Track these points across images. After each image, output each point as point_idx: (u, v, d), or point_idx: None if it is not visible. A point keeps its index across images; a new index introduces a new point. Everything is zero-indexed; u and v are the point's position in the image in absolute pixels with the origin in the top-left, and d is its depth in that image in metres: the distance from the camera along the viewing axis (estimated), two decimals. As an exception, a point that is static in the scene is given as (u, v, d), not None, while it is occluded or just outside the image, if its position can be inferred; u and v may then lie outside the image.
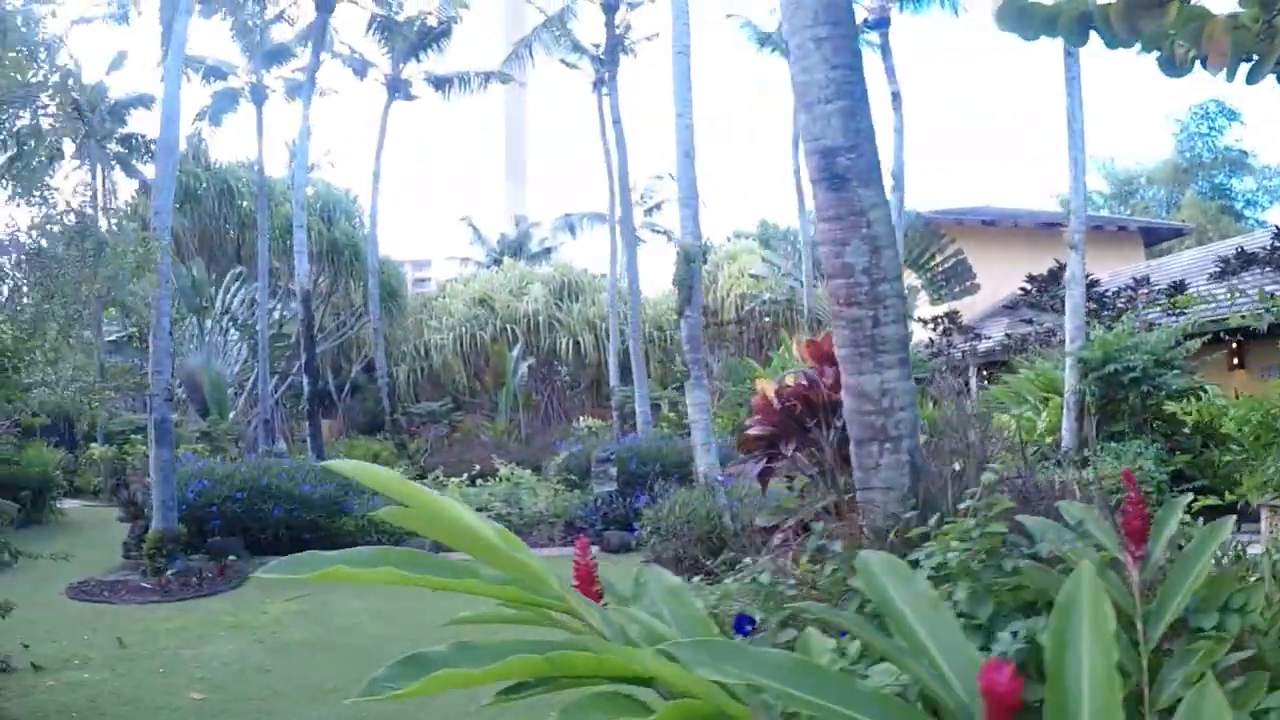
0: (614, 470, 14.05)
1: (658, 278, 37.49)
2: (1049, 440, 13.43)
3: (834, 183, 4.43)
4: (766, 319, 31.14)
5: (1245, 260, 13.40)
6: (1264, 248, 13.22)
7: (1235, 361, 15.06)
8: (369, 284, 25.33)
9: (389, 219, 26.36)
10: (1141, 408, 12.78)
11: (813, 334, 24.09)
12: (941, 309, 23.53)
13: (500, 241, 43.10)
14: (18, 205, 6.79)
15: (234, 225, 26.74)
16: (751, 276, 31.85)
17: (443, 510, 2.28)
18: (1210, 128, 42.35)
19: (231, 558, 10.73)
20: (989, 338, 22.49)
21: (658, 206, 38.00)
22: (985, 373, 22.41)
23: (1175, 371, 12.51)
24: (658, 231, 39.16)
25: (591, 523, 12.84)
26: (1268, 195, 42.81)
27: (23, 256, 6.60)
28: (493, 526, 2.30)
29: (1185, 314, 12.59)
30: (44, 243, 6.54)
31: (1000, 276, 25.19)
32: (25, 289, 6.76)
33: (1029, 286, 17.91)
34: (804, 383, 6.33)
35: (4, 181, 6.78)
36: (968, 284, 25.13)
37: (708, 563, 9.84)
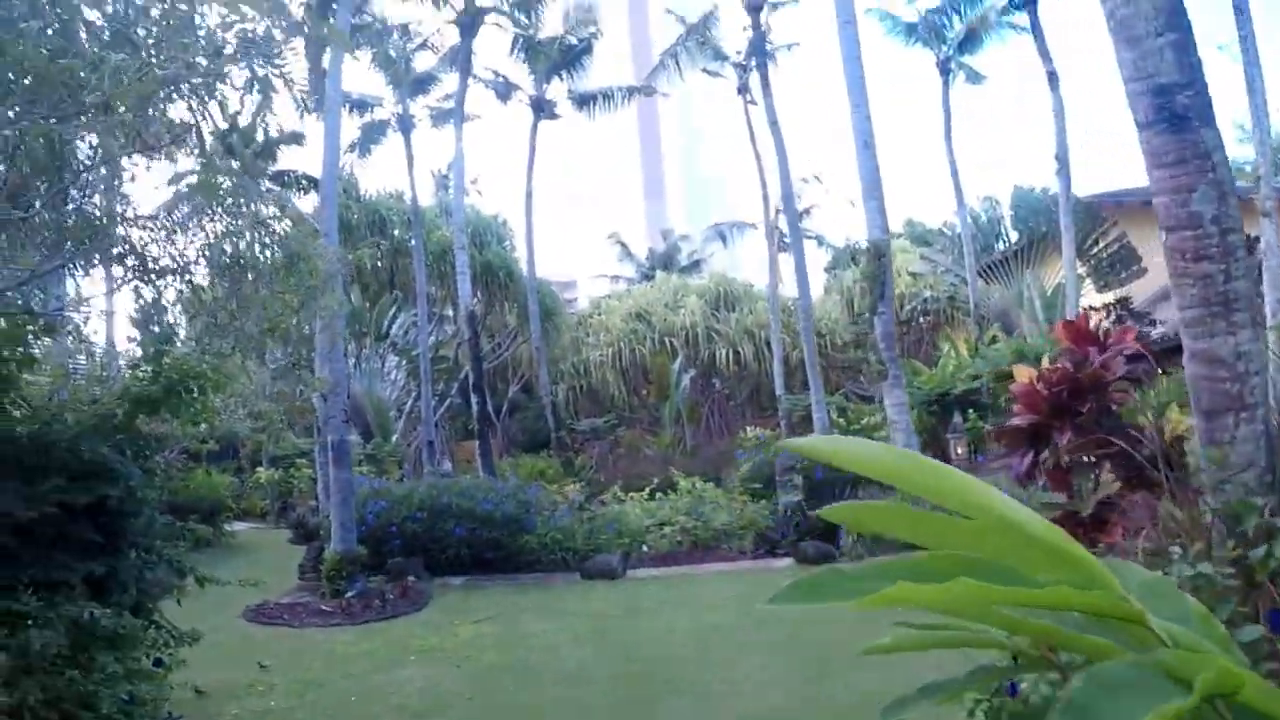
0: (799, 479, 13.17)
1: (812, 283, 36.41)
2: None
3: (1174, 123, 3.93)
4: (925, 318, 29.66)
5: None
6: None
7: None
8: (528, 303, 25.22)
9: (537, 241, 26.19)
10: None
11: (980, 330, 22.62)
12: (1110, 296, 21.81)
13: (649, 257, 42.80)
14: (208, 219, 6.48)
15: (386, 254, 27.07)
16: (910, 275, 30.40)
17: (971, 492, 1.48)
18: None
19: (411, 579, 10.36)
20: (1163, 323, 20.66)
21: (807, 211, 36.85)
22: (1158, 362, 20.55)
23: None
24: (808, 236, 38.03)
25: (784, 534, 11.98)
26: None
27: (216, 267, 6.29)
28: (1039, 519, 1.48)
29: None
30: (239, 246, 6.19)
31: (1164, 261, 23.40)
32: (220, 298, 6.45)
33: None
34: (1068, 366, 5.47)
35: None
36: (1133, 269, 23.33)
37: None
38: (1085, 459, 5.57)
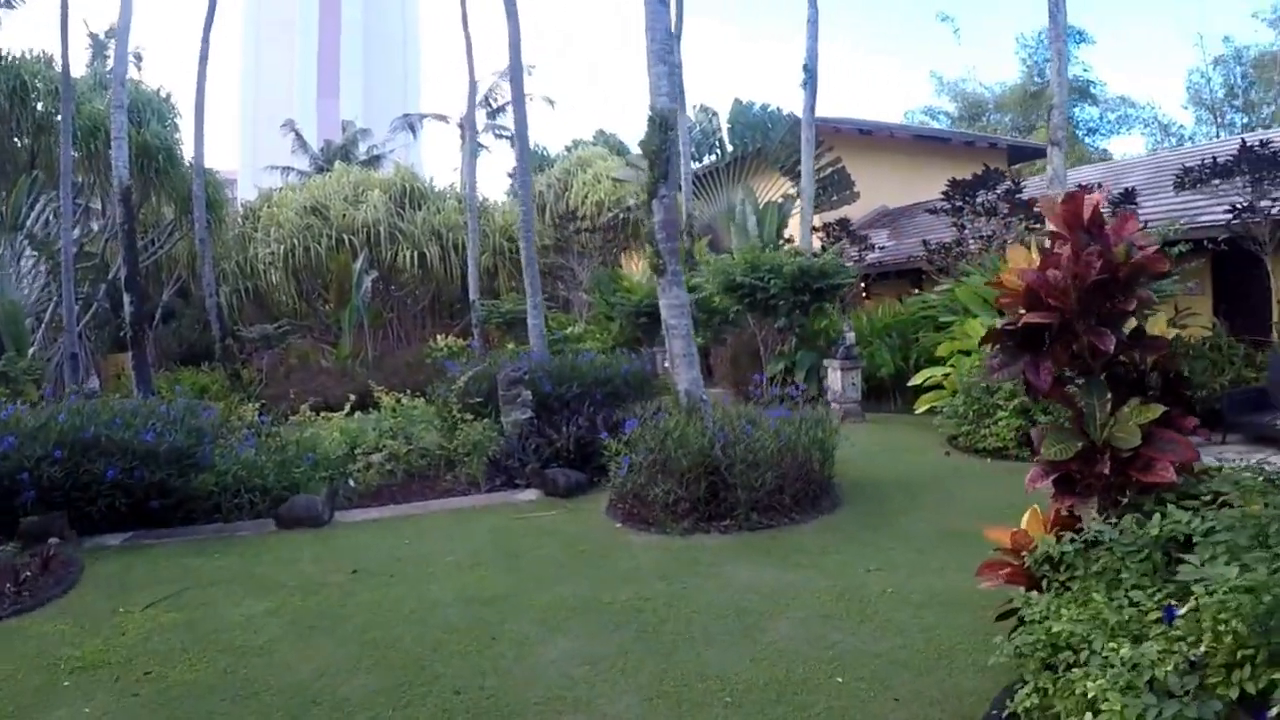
0: (528, 394, 11.55)
1: (503, 184, 34.56)
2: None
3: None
4: (626, 228, 28.88)
5: (1218, 170, 12.28)
6: (1229, 158, 12.08)
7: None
8: (190, 191, 21.29)
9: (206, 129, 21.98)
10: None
11: (692, 242, 22.00)
12: (832, 216, 22.04)
13: (324, 149, 38.73)
14: None
15: (28, 131, 21.65)
16: (614, 180, 29.38)
17: None
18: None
19: (54, 543, 7.60)
20: (881, 247, 21.21)
21: (501, 109, 34.64)
22: (864, 285, 21.22)
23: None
24: (501, 136, 35.91)
25: (520, 460, 10.28)
26: (1109, 125, 43.80)
27: None
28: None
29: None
30: None
31: (872, 188, 24.25)
32: None
33: (949, 190, 16.33)
34: (1096, 252, 4.21)
35: None
36: (846, 193, 23.86)
37: (708, 508, 7.73)
38: (1077, 380, 4.42)
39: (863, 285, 21.26)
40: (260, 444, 10.19)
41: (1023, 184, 16.36)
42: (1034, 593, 4.03)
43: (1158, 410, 4.14)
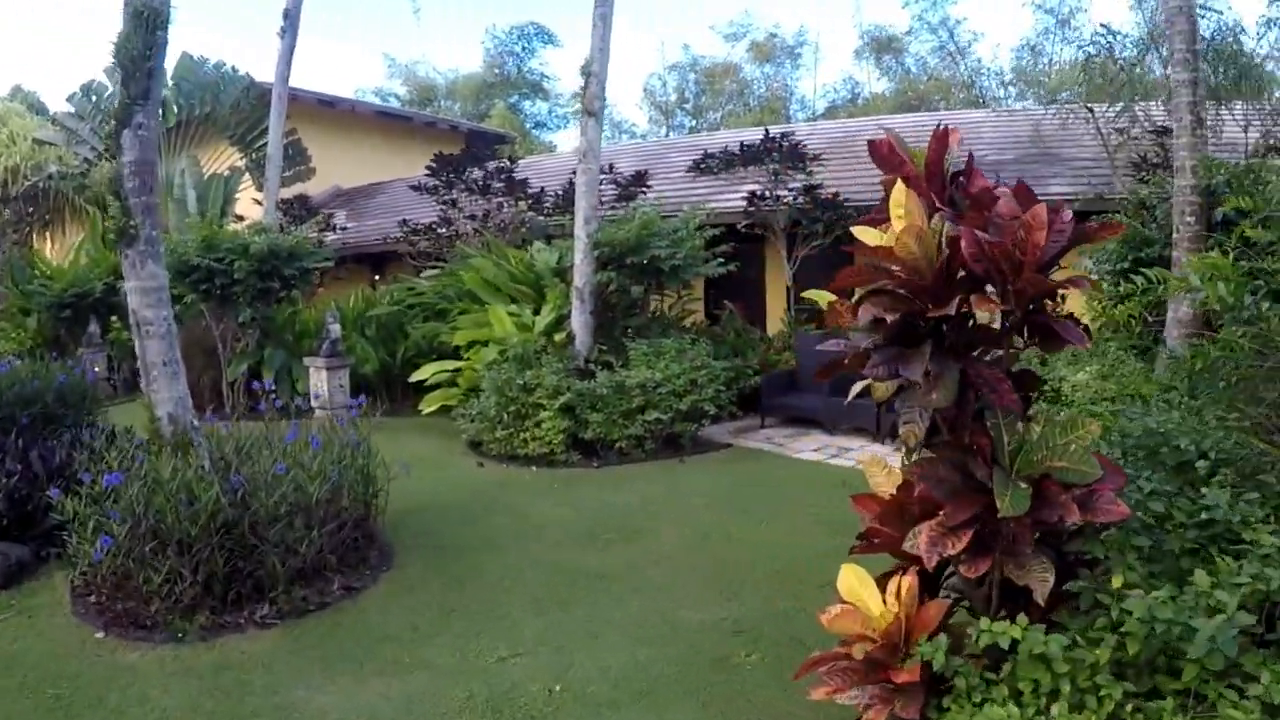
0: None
1: None
2: (554, 340, 10.76)
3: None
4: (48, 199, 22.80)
5: (746, 157, 12.42)
6: (747, 147, 12.32)
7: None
8: None
9: None
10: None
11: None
12: (289, 193, 19.26)
13: None
14: None
15: None
16: (36, 143, 22.97)
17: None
18: (525, 48, 43.20)
19: None
20: (344, 228, 19.09)
21: None
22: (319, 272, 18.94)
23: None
24: None
25: None
26: (557, 120, 45.51)
27: None
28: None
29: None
30: None
31: (327, 166, 22.07)
32: None
33: (435, 166, 14.77)
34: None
35: None
36: (302, 168, 21.24)
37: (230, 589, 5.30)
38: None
39: (318, 272, 18.83)
40: None
41: (515, 164, 15.31)
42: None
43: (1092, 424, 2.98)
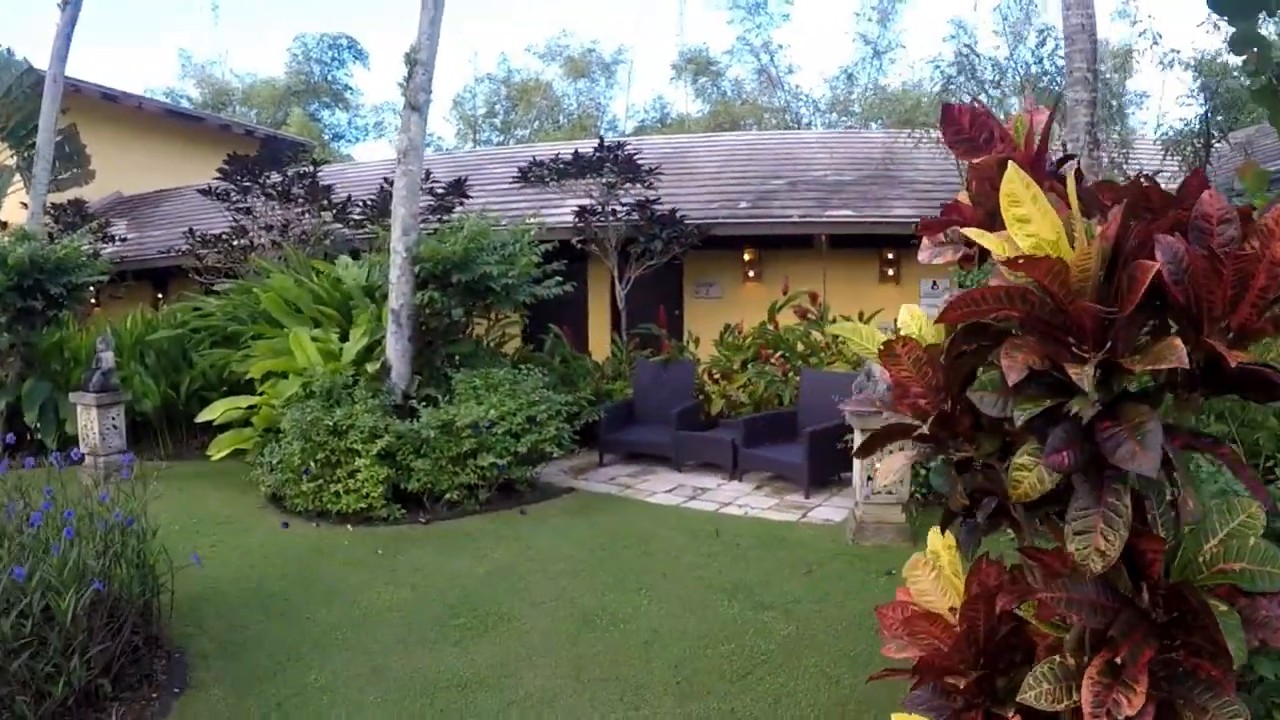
0: None
1: None
2: (366, 370, 9.49)
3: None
4: None
5: (579, 167, 11.56)
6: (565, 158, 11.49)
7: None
8: None
9: None
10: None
11: None
12: (62, 198, 17.02)
13: None
14: None
15: None
16: None
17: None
18: (335, 58, 41.24)
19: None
20: (124, 239, 17.09)
21: None
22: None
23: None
24: None
25: None
26: (356, 132, 44.01)
27: None
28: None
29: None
30: None
31: (107, 170, 19.69)
32: None
33: (229, 168, 13.15)
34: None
35: None
36: (78, 170, 18.88)
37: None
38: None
39: (93, 290, 16.72)
40: None
41: (319, 169, 13.85)
42: None
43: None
